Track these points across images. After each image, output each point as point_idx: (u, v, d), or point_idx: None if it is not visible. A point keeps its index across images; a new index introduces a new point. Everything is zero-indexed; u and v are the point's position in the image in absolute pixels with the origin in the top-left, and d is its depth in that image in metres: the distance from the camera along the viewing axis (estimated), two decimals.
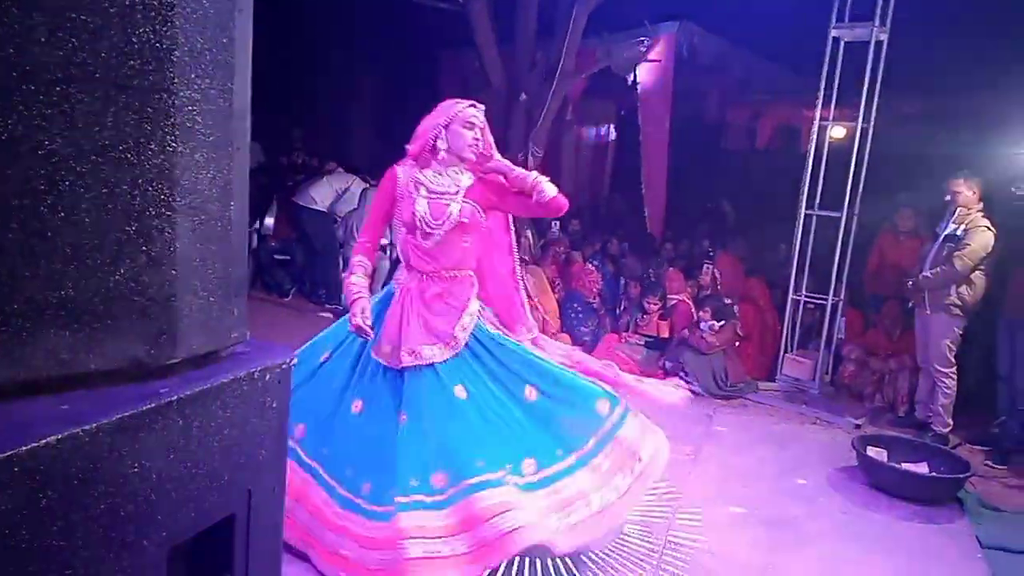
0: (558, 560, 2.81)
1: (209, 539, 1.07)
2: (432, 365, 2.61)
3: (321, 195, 6.81)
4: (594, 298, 6.34)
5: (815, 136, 5.48)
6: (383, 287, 3.11)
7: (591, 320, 6.13)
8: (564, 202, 2.64)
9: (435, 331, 2.65)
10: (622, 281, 6.87)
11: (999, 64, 6.70)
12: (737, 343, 5.80)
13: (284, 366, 1.16)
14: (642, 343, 5.86)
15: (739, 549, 3.13)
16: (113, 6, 0.89)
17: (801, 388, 5.60)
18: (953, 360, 4.62)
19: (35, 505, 0.81)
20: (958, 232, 4.51)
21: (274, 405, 1.14)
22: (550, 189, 2.61)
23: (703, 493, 3.67)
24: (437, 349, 2.63)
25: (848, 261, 5.52)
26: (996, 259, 4.52)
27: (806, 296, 5.75)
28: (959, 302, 4.53)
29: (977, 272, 4.48)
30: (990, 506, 3.82)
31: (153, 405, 0.94)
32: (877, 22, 5.11)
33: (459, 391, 2.60)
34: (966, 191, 4.50)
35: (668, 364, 5.57)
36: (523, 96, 7.25)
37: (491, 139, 2.74)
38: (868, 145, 5.29)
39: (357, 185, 6.84)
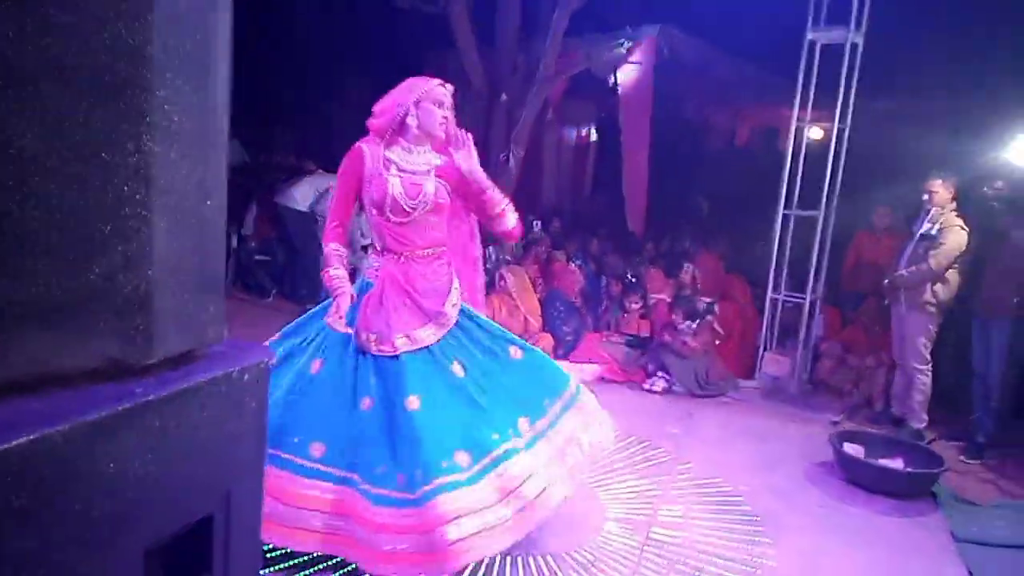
0: (540, 559, 2.82)
1: (187, 540, 1.06)
2: (428, 347, 2.57)
3: (303, 194, 6.78)
4: (576, 297, 6.37)
5: (793, 137, 5.55)
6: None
7: (573, 319, 6.15)
8: (517, 235, 2.77)
9: (426, 312, 2.60)
10: (604, 280, 6.89)
11: (972, 65, 6.83)
12: (717, 342, 5.85)
13: (263, 366, 1.15)
14: (623, 342, 5.89)
15: (720, 544, 3.16)
16: (87, 3, 0.89)
17: (780, 386, 5.66)
18: (929, 357, 4.70)
19: (8, 506, 0.80)
20: (933, 231, 4.59)
21: (253, 405, 1.13)
22: (510, 221, 2.68)
23: (684, 490, 3.70)
24: (431, 330, 2.60)
25: (826, 260, 5.59)
26: (970, 258, 4.60)
27: (784, 295, 5.82)
28: (934, 300, 4.60)
29: (951, 270, 4.56)
30: (964, 500, 3.89)
31: (129, 405, 0.93)
32: (852, 25, 5.18)
33: (456, 368, 2.59)
34: (943, 191, 4.57)
35: (651, 366, 5.60)
36: (504, 97, 7.27)
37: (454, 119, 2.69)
38: (845, 145, 5.36)
39: None
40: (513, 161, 7.21)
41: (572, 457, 2.67)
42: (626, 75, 8.14)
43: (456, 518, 2.29)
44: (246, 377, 1.11)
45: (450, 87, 2.64)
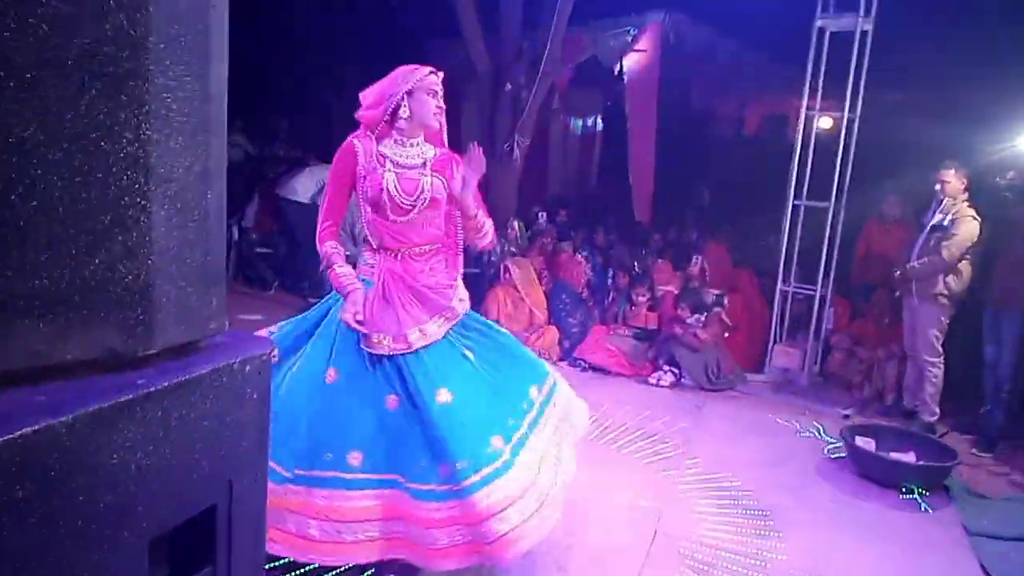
0: (547, 552, 2.82)
1: (190, 530, 1.06)
2: (444, 338, 2.55)
3: (303, 186, 6.76)
4: (582, 289, 6.34)
5: (802, 126, 5.50)
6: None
7: (579, 311, 6.12)
8: (486, 247, 2.96)
9: (436, 307, 2.56)
10: (610, 272, 6.84)
11: (984, 54, 6.74)
12: (727, 333, 5.82)
13: (264, 357, 1.14)
14: (631, 335, 5.87)
15: (729, 539, 3.15)
16: None
17: (790, 378, 5.63)
18: (940, 349, 4.66)
19: (11, 497, 0.80)
20: (945, 222, 4.54)
21: (255, 396, 1.13)
22: (486, 239, 2.73)
23: (693, 484, 3.69)
24: (443, 323, 2.56)
25: (836, 251, 5.55)
26: (982, 249, 4.55)
27: (794, 287, 5.78)
28: (946, 291, 4.56)
29: (964, 262, 4.51)
30: (976, 493, 3.86)
31: (131, 396, 0.93)
32: (862, 12, 5.13)
33: (470, 356, 2.58)
34: (955, 181, 4.51)
35: (661, 360, 5.58)
36: (509, 86, 7.22)
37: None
38: (855, 135, 5.31)
39: None
40: (518, 151, 7.19)
41: (570, 439, 2.71)
42: (632, 63, 8.10)
43: (501, 510, 2.28)
44: (248, 368, 1.11)
45: (441, 75, 2.56)
